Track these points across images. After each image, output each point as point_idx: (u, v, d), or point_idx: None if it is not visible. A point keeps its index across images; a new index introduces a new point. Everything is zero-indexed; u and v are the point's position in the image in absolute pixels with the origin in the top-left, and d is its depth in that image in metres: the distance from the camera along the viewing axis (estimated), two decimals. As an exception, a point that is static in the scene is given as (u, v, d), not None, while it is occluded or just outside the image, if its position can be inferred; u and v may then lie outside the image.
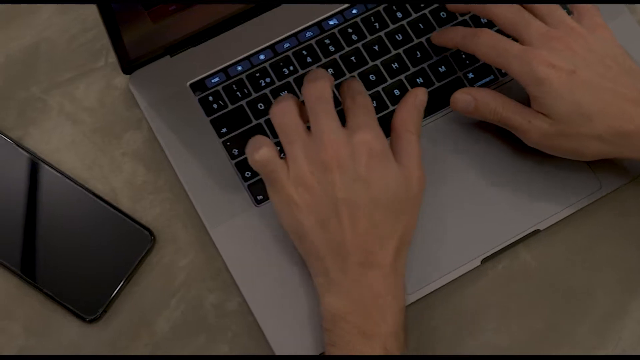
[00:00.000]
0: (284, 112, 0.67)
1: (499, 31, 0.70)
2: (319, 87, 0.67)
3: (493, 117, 0.70)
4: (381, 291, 0.64)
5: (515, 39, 0.69)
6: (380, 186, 0.65)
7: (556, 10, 0.70)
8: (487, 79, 0.76)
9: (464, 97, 0.71)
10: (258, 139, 0.67)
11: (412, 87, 0.75)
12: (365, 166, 0.64)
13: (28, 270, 0.71)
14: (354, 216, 0.64)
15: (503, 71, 0.76)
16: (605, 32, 0.70)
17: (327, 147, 0.64)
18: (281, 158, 0.66)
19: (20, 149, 0.73)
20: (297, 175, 0.65)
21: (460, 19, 0.77)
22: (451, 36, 0.73)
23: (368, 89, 0.75)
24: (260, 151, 0.66)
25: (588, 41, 0.68)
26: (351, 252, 0.64)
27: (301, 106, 0.68)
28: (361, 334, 0.63)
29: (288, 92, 0.74)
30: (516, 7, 0.70)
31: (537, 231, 0.72)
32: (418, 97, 0.69)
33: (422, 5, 0.77)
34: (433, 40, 0.75)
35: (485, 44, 0.69)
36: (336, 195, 0.64)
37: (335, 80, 0.75)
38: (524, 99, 0.70)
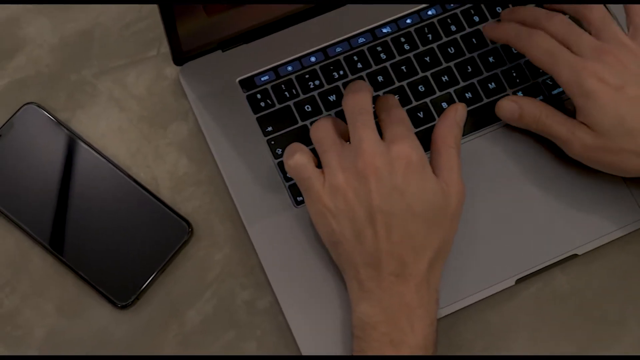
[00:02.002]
0: (321, 127, 0.68)
1: None
2: (359, 98, 0.67)
3: (537, 127, 0.70)
4: (412, 302, 0.64)
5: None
6: (417, 197, 0.65)
7: (610, 25, 0.69)
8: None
9: (509, 105, 0.71)
10: (294, 145, 0.68)
11: (460, 101, 0.75)
12: (402, 176, 0.64)
13: (65, 251, 0.71)
14: (390, 226, 0.64)
15: (552, 92, 0.75)
16: None
17: (364, 156, 0.65)
18: (318, 168, 0.67)
19: (67, 131, 0.74)
20: (332, 183, 0.65)
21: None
22: (505, 31, 0.72)
23: (416, 99, 0.75)
24: (294, 157, 0.66)
25: None
26: (385, 262, 0.64)
27: (341, 125, 0.69)
28: (390, 343, 0.63)
29: (337, 97, 0.74)
30: (568, 22, 0.70)
31: (574, 256, 0.72)
32: (458, 112, 0.70)
33: (476, 20, 0.77)
34: (485, 32, 0.75)
35: (538, 46, 0.69)
36: (372, 204, 0.64)
37: (380, 89, 0.75)
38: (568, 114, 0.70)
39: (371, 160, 0.64)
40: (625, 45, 0.68)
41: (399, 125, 0.67)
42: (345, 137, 0.68)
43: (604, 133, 0.67)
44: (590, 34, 0.69)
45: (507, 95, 0.75)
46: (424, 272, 0.65)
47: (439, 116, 0.74)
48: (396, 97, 0.73)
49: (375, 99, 0.71)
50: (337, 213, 0.65)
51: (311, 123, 0.74)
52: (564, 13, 0.72)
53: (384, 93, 0.75)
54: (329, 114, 0.72)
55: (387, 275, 0.64)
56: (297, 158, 0.66)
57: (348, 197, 0.65)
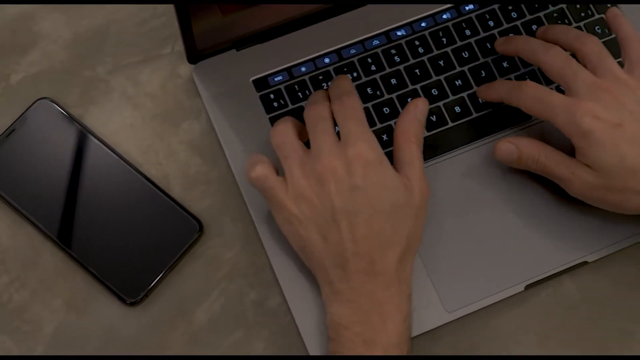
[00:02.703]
0: (281, 132, 0.68)
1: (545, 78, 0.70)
2: (318, 108, 0.68)
3: (536, 167, 0.70)
4: (383, 299, 0.64)
5: (561, 88, 0.69)
6: (378, 193, 0.65)
7: (606, 59, 0.69)
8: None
9: (507, 147, 0.70)
10: (254, 156, 0.68)
11: (473, 105, 0.75)
12: (362, 175, 0.65)
13: (75, 246, 0.71)
14: (353, 224, 0.64)
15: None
16: None
17: (322, 160, 0.65)
18: (279, 176, 0.67)
19: (80, 127, 0.74)
20: (295, 189, 0.66)
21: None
22: (496, 91, 0.72)
23: (430, 102, 0.75)
24: (255, 168, 0.67)
25: (637, 94, 0.67)
26: (352, 261, 0.64)
27: (299, 126, 0.69)
28: (363, 343, 0.63)
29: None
30: (565, 56, 0.69)
31: (584, 263, 0.72)
32: (418, 107, 0.69)
33: (491, 25, 0.77)
34: (479, 95, 0.74)
35: (530, 97, 0.69)
36: (334, 205, 0.65)
37: (393, 92, 0.75)
38: (568, 147, 0.69)
39: (329, 164, 0.65)
40: (622, 81, 0.68)
41: (352, 122, 0.67)
42: (304, 137, 0.69)
43: (604, 172, 0.66)
44: (585, 67, 0.69)
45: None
46: (393, 268, 0.65)
47: (451, 120, 0.74)
48: (348, 76, 0.73)
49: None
50: (303, 219, 0.66)
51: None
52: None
53: (397, 96, 0.75)
54: (287, 116, 0.72)
55: (355, 274, 0.64)
56: (258, 170, 0.67)
57: (311, 202, 0.65)
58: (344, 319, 0.64)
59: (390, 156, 0.69)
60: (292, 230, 0.67)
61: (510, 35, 0.77)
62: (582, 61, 0.69)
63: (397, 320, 0.64)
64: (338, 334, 0.64)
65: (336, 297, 0.65)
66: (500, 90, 0.72)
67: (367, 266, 0.64)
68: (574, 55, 0.70)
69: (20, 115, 0.74)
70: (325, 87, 0.75)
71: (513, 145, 0.70)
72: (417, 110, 0.69)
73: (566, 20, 0.78)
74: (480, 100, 0.75)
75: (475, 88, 0.75)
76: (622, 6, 0.78)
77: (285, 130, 0.68)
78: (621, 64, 0.70)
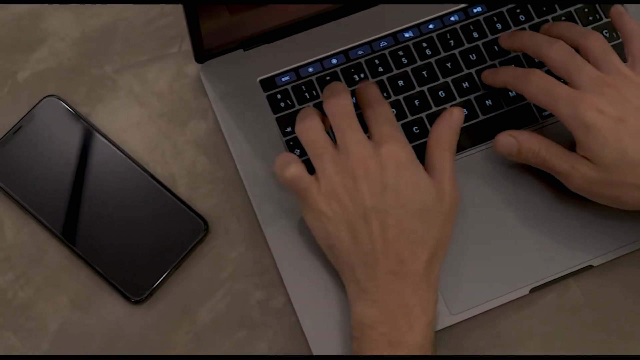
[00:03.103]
0: (310, 129, 0.68)
1: (550, 73, 0.70)
2: (341, 102, 0.68)
3: (536, 161, 0.70)
4: (410, 301, 0.64)
5: (566, 82, 0.68)
6: (410, 194, 0.65)
7: (609, 55, 0.69)
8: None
9: (507, 140, 0.70)
10: (285, 156, 0.68)
11: (480, 108, 0.75)
12: (394, 175, 0.65)
13: (80, 244, 0.71)
14: (384, 224, 0.64)
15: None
16: None
17: (355, 159, 0.65)
18: (310, 174, 0.67)
19: (87, 125, 0.74)
20: (328, 188, 0.66)
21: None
22: (502, 75, 0.72)
23: (436, 105, 0.75)
24: (290, 169, 0.67)
25: None
26: (381, 260, 0.64)
27: (324, 119, 0.69)
28: (388, 344, 0.63)
29: (356, 100, 0.73)
30: (569, 50, 0.69)
31: (590, 267, 0.72)
32: (454, 115, 0.70)
33: (499, 27, 0.77)
34: (483, 79, 0.74)
35: (535, 85, 0.69)
36: (365, 204, 0.65)
37: (400, 94, 0.75)
38: (568, 142, 0.69)
39: (362, 163, 0.65)
40: (625, 76, 0.68)
41: (385, 124, 0.68)
42: (327, 128, 0.69)
43: (605, 166, 0.66)
44: (589, 62, 0.69)
45: (528, 104, 0.75)
46: (422, 270, 0.65)
47: (458, 122, 0.74)
48: (375, 83, 0.73)
49: (356, 89, 0.72)
50: (334, 217, 0.66)
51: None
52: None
53: (404, 97, 0.75)
54: (308, 105, 0.71)
55: (384, 273, 0.64)
56: (293, 170, 0.67)
57: (343, 201, 0.65)
58: (369, 319, 0.64)
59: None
60: (321, 228, 0.66)
61: (514, 30, 0.76)
62: (586, 57, 0.69)
63: (423, 323, 0.64)
64: (363, 333, 0.64)
65: (362, 296, 0.65)
66: (506, 75, 0.72)
67: (396, 266, 0.64)
68: (578, 52, 0.70)
69: (27, 113, 0.74)
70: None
71: (513, 139, 0.70)
72: (452, 119, 0.69)
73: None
74: (485, 82, 0.75)
75: (482, 90, 0.75)
76: (628, 6, 0.78)
77: (314, 126, 0.68)
78: (625, 61, 0.70)
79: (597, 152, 0.66)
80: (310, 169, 0.68)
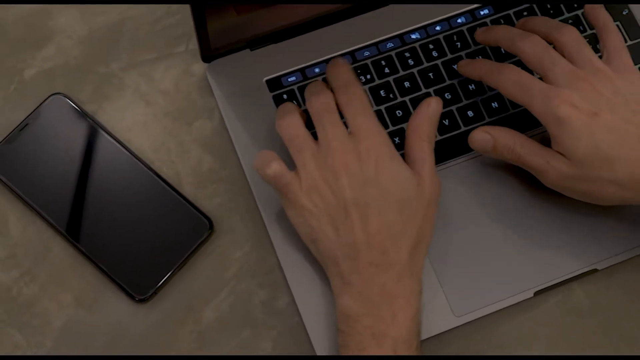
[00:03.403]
0: (290, 124, 0.68)
1: (525, 68, 0.70)
2: (321, 99, 0.68)
3: (511, 157, 0.69)
4: (393, 292, 0.64)
5: (540, 78, 0.68)
6: (390, 186, 0.65)
7: (584, 49, 0.68)
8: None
9: (482, 136, 0.70)
10: (265, 154, 0.68)
11: (486, 110, 0.75)
12: (374, 169, 0.65)
13: (85, 242, 0.72)
14: (365, 216, 0.65)
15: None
16: (635, 75, 0.68)
17: (335, 153, 0.66)
18: (291, 171, 0.67)
19: (92, 123, 0.74)
20: (309, 183, 0.66)
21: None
22: (477, 68, 0.72)
23: (443, 106, 0.74)
24: (271, 166, 0.67)
25: (615, 84, 0.67)
26: (363, 252, 0.64)
27: (303, 115, 0.70)
28: (372, 336, 0.63)
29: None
30: (544, 44, 0.69)
31: (594, 270, 0.72)
32: (431, 106, 0.70)
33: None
34: (459, 70, 0.74)
35: (509, 80, 0.69)
36: (346, 197, 0.65)
37: (407, 95, 0.75)
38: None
39: (342, 158, 0.66)
40: (600, 71, 0.67)
41: (361, 114, 0.68)
42: (308, 126, 0.69)
43: (579, 161, 0.66)
44: (563, 56, 0.69)
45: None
46: (405, 261, 0.65)
47: (464, 125, 0.74)
48: (346, 60, 0.73)
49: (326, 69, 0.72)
50: (316, 212, 0.66)
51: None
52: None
53: (410, 99, 0.75)
54: (289, 103, 0.71)
55: (367, 265, 0.64)
56: (275, 167, 0.67)
57: (324, 195, 0.66)
58: (353, 311, 0.64)
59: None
60: (304, 223, 0.67)
61: (490, 25, 0.76)
62: (560, 51, 0.69)
63: (408, 314, 0.64)
64: (347, 326, 0.64)
65: (346, 288, 0.65)
66: (481, 68, 0.72)
67: (379, 258, 0.64)
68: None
69: (34, 110, 0.74)
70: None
71: (488, 135, 0.70)
72: (429, 109, 0.69)
73: (581, 27, 0.77)
74: (460, 73, 0.74)
75: (488, 92, 0.75)
76: (633, 6, 0.78)
77: (295, 122, 0.68)
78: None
79: (571, 147, 0.66)
80: (291, 166, 0.68)
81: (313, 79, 0.75)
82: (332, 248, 0.66)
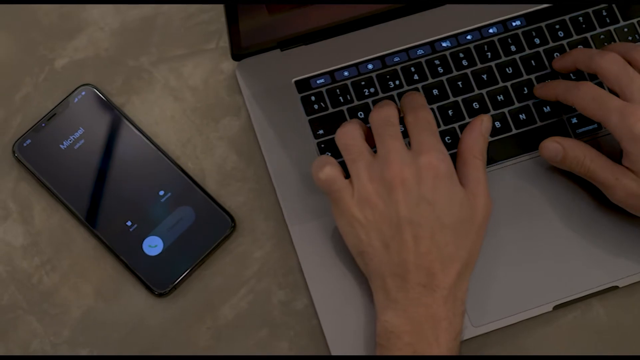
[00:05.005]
0: (348, 134, 0.67)
1: (600, 85, 0.70)
2: (385, 112, 0.68)
3: (580, 170, 0.70)
4: (438, 314, 0.64)
5: (617, 94, 0.68)
6: (445, 208, 0.65)
7: None
8: (590, 127, 0.75)
9: (553, 146, 0.70)
10: (323, 158, 0.68)
11: (513, 122, 0.75)
12: (431, 187, 0.65)
13: (108, 234, 0.72)
14: (417, 236, 0.64)
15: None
16: None
17: (392, 166, 0.65)
18: (346, 179, 0.67)
19: (120, 115, 0.75)
20: (361, 193, 0.65)
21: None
22: (553, 88, 0.73)
23: (470, 116, 0.75)
24: (324, 170, 0.66)
25: None
26: (412, 272, 0.64)
27: (367, 132, 0.69)
28: (413, 353, 0.63)
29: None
30: (622, 61, 0.69)
31: (615, 287, 0.71)
32: (484, 123, 0.69)
33: (537, 42, 0.77)
34: (535, 93, 0.75)
35: (586, 97, 0.69)
36: (400, 214, 0.64)
37: (434, 103, 0.75)
38: (618, 155, 0.69)
39: (399, 171, 0.65)
40: None
41: (426, 133, 0.67)
42: (369, 142, 0.68)
43: None
44: None
45: (562, 120, 0.75)
46: (452, 283, 0.65)
47: (491, 135, 0.74)
48: (421, 93, 0.72)
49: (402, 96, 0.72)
50: (366, 224, 0.65)
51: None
52: None
53: (438, 107, 0.75)
54: (354, 119, 0.71)
55: (414, 285, 0.64)
56: (328, 171, 0.66)
57: (377, 208, 0.65)
58: (397, 328, 0.64)
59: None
60: (353, 233, 0.66)
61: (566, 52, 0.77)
62: (638, 70, 0.69)
63: (450, 336, 0.64)
64: (389, 341, 0.64)
65: (391, 305, 0.65)
66: (557, 88, 0.72)
67: (427, 279, 0.64)
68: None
69: (62, 100, 0.75)
70: (367, 93, 0.75)
71: (559, 145, 0.70)
72: (482, 126, 0.69)
73: (612, 42, 0.77)
74: (537, 96, 0.75)
75: (516, 104, 0.75)
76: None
77: (353, 131, 0.68)
78: None
79: None
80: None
81: (342, 82, 0.75)
82: (380, 263, 0.65)
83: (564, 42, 0.77)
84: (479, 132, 0.69)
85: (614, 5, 0.78)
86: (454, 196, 0.65)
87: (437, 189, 0.65)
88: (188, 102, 0.77)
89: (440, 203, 0.65)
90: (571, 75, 0.76)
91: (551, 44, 0.77)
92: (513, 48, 0.77)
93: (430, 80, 0.76)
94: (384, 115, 0.67)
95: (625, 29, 0.78)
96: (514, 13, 0.78)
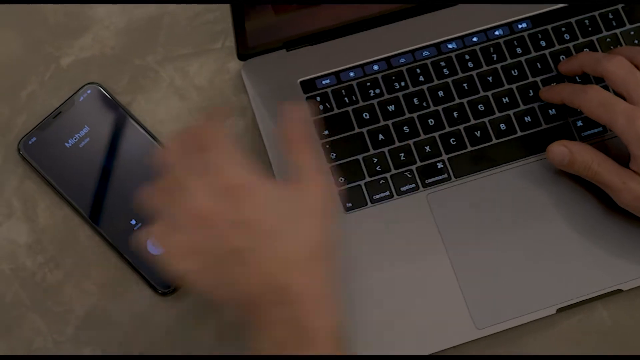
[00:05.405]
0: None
1: (606, 88, 0.70)
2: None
3: (587, 173, 0.70)
4: (307, 326, 0.57)
5: (623, 98, 0.69)
6: (259, 218, 0.58)
7: None
8: (595, 130, 0.75)
9: (560, 149, 0.70)
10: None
11: (518, 124, 0.75)
12: (235, 209, 0.58)
13: (112, 232, 0.72)
14: (251, 257, 0.57)
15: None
16: None
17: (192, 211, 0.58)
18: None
19: (126, 114, 0.75)
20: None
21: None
22: (559, 91, 0.73)
23: (475, 118, 0.75)
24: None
25: None
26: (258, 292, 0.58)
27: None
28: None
29: (395, 107, 0.73)
30: (629, 65, 0.69)
31: (619, 291, 0.71)
32: (294, 111, 0.61)
33: (543, 45, 0.77)
34: (541, 96, 0.75)
35: (592, 100, 0.69)
36: (224, 247, 0.57)
37: (440, 104, 0.75)
38: (625, 158, 0.69)
39: (200, 211, 0.58)
40: None
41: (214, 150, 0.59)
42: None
43: None
44: None
45: (567, 122, 0.75)
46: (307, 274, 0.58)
47: (495, 137, 0.74)
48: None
49: None
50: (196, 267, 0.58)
51: (367, 131, 0.74)
52: None
53: (443, 109, 0.75)
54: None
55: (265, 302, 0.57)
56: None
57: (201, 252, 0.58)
58: (276, 346, 0.57)
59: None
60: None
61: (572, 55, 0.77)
62: None
63: (325, 333, 0.57)
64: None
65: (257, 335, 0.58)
66: (563, 91, 0.72)
67: (276, 296, 0.57)
68: None
69: (68, 99, 0.75)
70: (372, 94, 0.75)
71: (566, 149, 0.70)
72: (293, 114, 0.62)
73: (618, 46, 0.77)
74: (543, 99, 0.75)
75: (522, 106, 0.75)
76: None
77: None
78: None
79: None
80: None
81: (347, 83, 0.75)
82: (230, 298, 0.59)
83: (570, 45, 0.77)
84: (289, 120, 0.61)
85: (620, 8, 0.78)
86: (260, 199, 0.58)
87: (239, 204, 0.58)
88: (194, 102, 0.77)
89: (252, 216, 0.58)
90: (577, 78, 0.76)
91: (557, 47, 0.77)
92: (519, 50, 0.77)
93: (436, 82, 0.76)
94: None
95: (632, 32, 0.78)
96: (520, 15, 0.78)
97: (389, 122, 0.74)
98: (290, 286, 0.57)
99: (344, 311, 0.60)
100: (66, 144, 0.73)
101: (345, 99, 0.75)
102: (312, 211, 0.59)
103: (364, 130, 0.74)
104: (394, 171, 0.73)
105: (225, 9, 0.77)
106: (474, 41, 0.77)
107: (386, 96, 0.75)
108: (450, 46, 0.77)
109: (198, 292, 0.59)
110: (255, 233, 0.57)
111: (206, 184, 0.58)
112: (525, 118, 0.75)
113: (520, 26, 0.78)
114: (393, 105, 0.75)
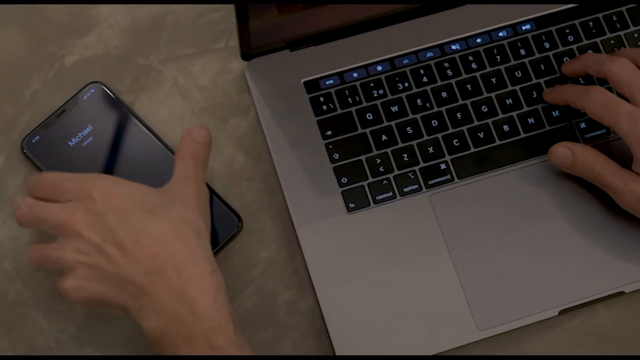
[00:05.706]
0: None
1: (610, 90, 0.70)
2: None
3: (589, 175, 0.70)
4: (180, 288, 0.60)
5: (627, 100, 0.69)
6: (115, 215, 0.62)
7: None
8: (599, 132, 0.75)
9: (562, 151, 0.70)
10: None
11: (522, 126, 0.75)
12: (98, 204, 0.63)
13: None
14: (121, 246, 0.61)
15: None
16: None
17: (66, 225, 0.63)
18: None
19: (129, 113, 0.75)
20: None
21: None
22: (562, 93, 0.73)
23: (478, 119, 0.75)
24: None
25: None
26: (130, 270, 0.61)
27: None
28: (183, 341, 0.59)
29: (399, 108, 0.74)
30: (632, 67, 0.69)
31: (621, 293, 0.71)
32: (192, 132, 0.67)
33: (546, 46, 0.77)
34: (545, 97, 0.75)
35: (596, 102, 0.69)
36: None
37: (443, 105, 0.75)
38: (628, 160, 0.69)
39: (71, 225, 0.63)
40: None
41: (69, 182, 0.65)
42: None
43: None
44: None
45: (570, 124, 0.75)
46: (178, 250, 0.61)
47: (499, 139, 0.74)
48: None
49: None
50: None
51: (371, 132, 0.74)
52: None
53: (447, 110, 0.75)
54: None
55: (144, 280, 0.61)
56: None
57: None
58: (157, 331, 0.60)
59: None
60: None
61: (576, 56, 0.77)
62: None
63: (206, 302, 0.60)
64: (159, 346, 0.60)
65: (142, 312, 0.60)
66: (566, 93, 0.72)
67: (150, 264, 0.60)
68: None
69: (72, 97, 0.75)
70: (375, 94, 0.75)
71: (569, 151, 0.70)
72: (192, 134, 0.67)
73: (622, 48, 0.77)
74: (546, 101, 0.75)
75: (525, 108, 0.75)
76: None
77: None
78: None
79: None
80: None
81: (350, 83, 0.75)
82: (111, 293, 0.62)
83: (574, 46, 0.77)
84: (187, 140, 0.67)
85: (624, 10, 0.78)
86: (116, 198, 0.64)
87: (101, 202, 0.63)
88: (197, 101, 0.77)
89: (110, 213, 0.63)
90: (580, 80, 0.76)
91: (561, 49, 0.77)
92: (522, 52, 0.77)
93: (439, 83, 0.76)
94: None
95: (636, 34, 0.78)
96: (524, 17, 0.78)
97: (392, 123, 0.74)
98: (157, 256, 0.61)
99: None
100: (69, 143, 0.74)
101: (349, 99, 0.75)
102: (165, 197, 0.64)
103: (367, 130, 0.74)
104: (397, 172, 0.73)
105: (229, 8, 0.77)
106: (478, 42, 0.77)
107: (389, 97, 0.75)
108: (454, 47, 0.77)
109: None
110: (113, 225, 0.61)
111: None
112: (529, 119, 0.75)
113: (524, 28, 0.78)
114: (396, 106, 0.75)
